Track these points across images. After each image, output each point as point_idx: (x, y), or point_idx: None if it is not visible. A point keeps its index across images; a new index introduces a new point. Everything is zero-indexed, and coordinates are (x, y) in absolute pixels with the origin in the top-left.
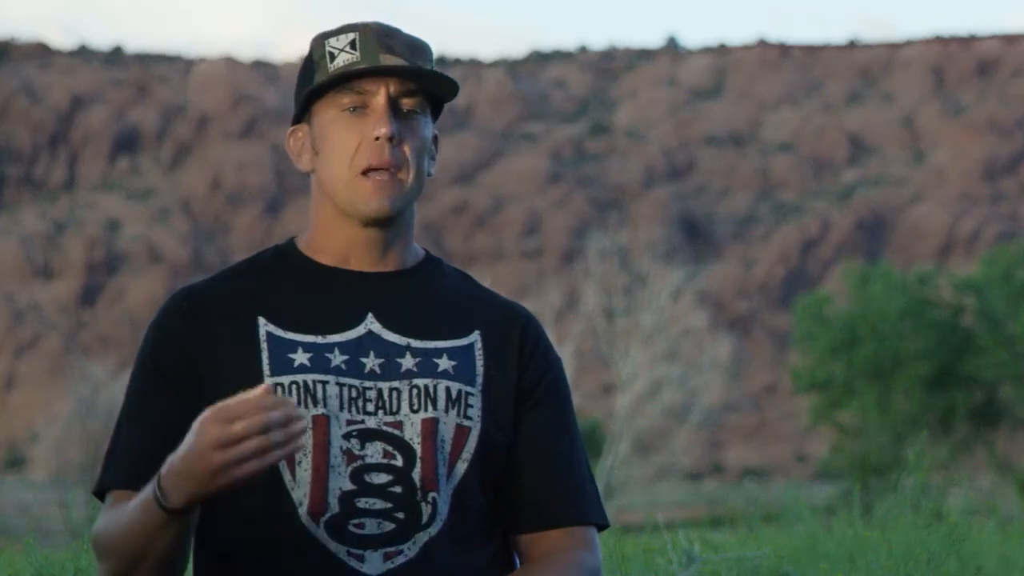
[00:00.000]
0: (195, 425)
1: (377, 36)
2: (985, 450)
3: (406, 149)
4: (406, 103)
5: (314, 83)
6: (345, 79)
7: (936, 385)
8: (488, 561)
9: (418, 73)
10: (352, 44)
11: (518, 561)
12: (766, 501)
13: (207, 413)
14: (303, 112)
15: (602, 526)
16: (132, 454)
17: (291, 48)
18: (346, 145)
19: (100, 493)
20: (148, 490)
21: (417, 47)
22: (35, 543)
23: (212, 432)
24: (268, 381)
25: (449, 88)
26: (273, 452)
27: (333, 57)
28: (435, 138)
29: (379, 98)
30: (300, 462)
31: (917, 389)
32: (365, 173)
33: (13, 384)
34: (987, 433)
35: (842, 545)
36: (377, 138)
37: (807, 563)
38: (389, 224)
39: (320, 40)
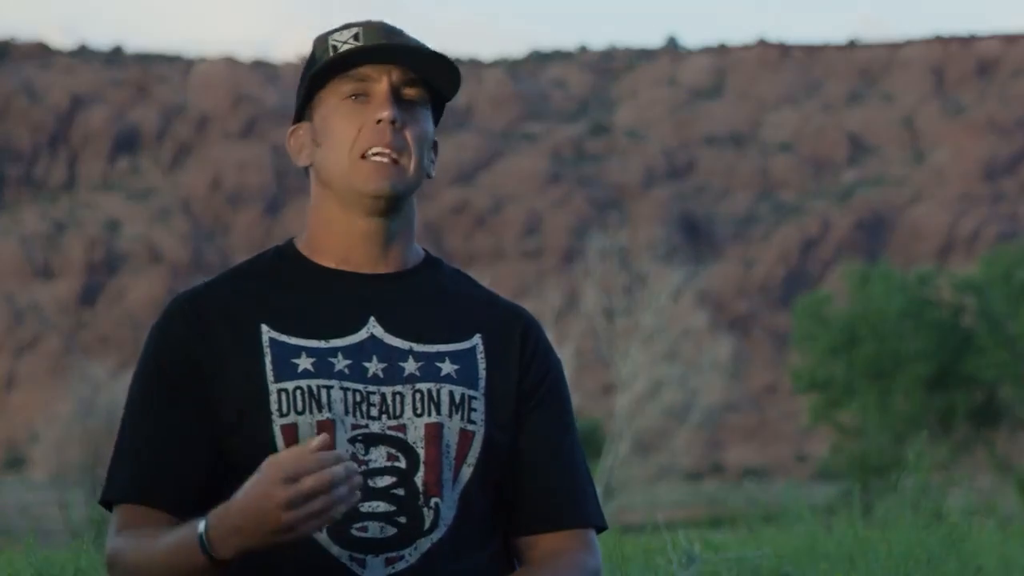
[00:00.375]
0: (254, 483)
1: (379, 30)
2: (985, 450)
3: (407, 135)
4: (408, 93)
5: (316, 67)
6: (348, 64)
7: (936, 385)
8: (487, 563)
9: (422, 54)
10: (355, 37)
11: (517, 563)
12: (766, 501)
13: (269, 472)
14: (304, 109)
15: (601, 528)
16: (138, 466)
17: (291, 48)
18: (347, 131)
19: (106, 502)
20: (190, 533)
21: (416, 42)
22: (35, 543)
23: (279, 492)
24: (272, 387)
25: (452, 78)
26: (338, 507)
27: (336, 50)
28: (435, 144)
29: (381, 85)
30: None
31: (917, 389)
32: (365, 156)
33: (13, 384)
34: (987, 433)
35: (842, 545)
36: (379, 121)
37: (807, 563)
38: (389, 215)
39: (323, 37)
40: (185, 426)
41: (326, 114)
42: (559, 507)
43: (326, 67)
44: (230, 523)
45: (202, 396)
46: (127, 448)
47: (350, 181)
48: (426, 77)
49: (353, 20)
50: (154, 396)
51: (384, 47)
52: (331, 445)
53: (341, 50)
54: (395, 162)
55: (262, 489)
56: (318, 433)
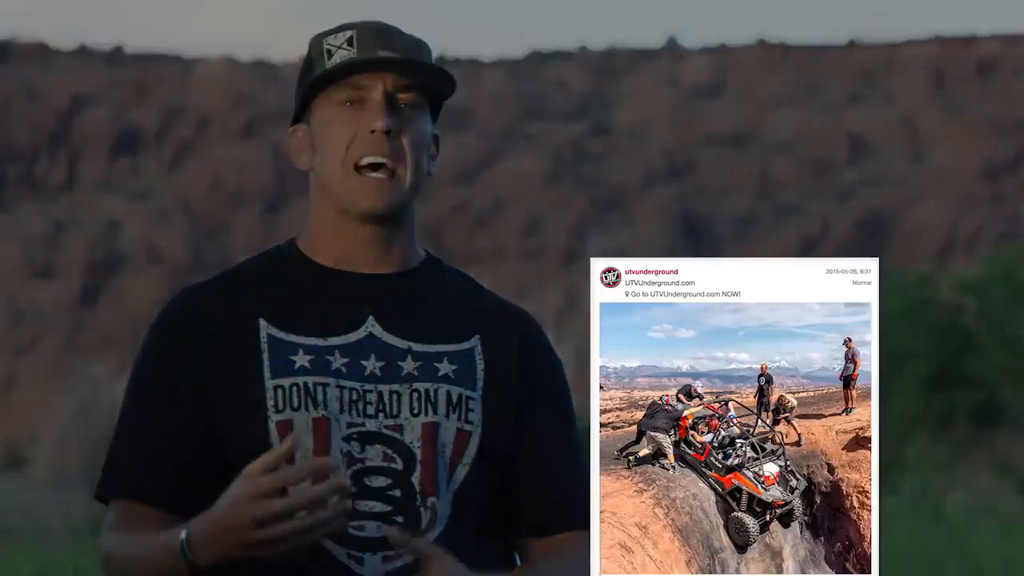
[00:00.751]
0: (229, 496)
1: (375, 33)
2: (985, 450)
3: (403, 142)
4: (403, 98)
5: (311, 78)
6: (342, 74)
7: (936, 385)
8: (485, 562)
9: (414, 66)
10: (349, 41)
11: (519, 560)
12: None
13: (241, 486)
14: (302, 111)
15: None
16: (134, 462)
17: (291, 48)
18: (342, 139)
19: (102, 497)
20: (173, 538)
21: (416, 45)
22: (35, 543)
23: (247, 510)
24: (269, 384)
25: (446, 83)
26: (317, 530)
27: (331, 54)
28: (436, 138)
29: (376, 92)
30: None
31: (917, 389)
32: (360, 169)
33: (13, 384)
34: (987, 433)
35: None
36: (373, 131)
37: None
38: (388, 222)
39: (318, 39)
40: (182, 423)
41: (322, 120)
42: (560, 509)
43: (320, 78)
44: (208, 533)
45: (199, 393)
46: (123, 444)
47: (345, 194)
48: (421, 82)
49: (349, 21)
50: (151, 392)
51: (376, 61)
52: (300, 451)
53: (335, 56)
54: (391, 175)
55: (233, 504)
56: (313, 432)
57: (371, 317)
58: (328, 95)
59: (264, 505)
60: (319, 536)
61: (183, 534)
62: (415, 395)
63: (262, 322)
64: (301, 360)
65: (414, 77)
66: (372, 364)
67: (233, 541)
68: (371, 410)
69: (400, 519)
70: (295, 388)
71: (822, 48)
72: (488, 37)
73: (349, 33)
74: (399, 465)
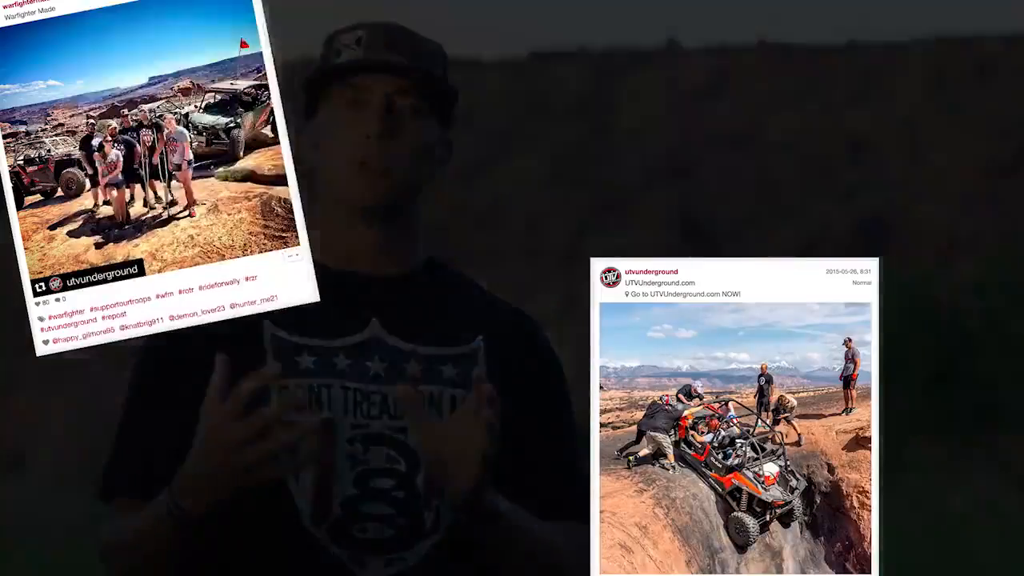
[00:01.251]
0: (202, 435)
1: (384, 35)
2: (985, 450)
3: (400, 147)
4: (405, 100)
5: (311, 78)
6: (341, 75)
7: (936, 385)
8: (488, 564)
9: (410, 71)
10: (358, 41)
11: None
12: None
13: (210, 414)
14: (306, 110)
15: None
16: (136, 463)
17: (291, 48)
18: (341, 142)
19: (105, 495)
20: (160, 498)
21: (426, 48)
22: (35, 543)
23: (227, 432)
24: (273, 385)
25: (448, 90)
26: (302, 454)
27: (339, 54)
28: (448, 143)
29: (375, 96)
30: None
31: (917, 389)
32: (358, 167)
33: (13, 384)
34: (987, 433)
35: None
36: (369, 136)
37: None
38: (391, 223)
39: (332, 36)
40: (183, 423)
41: (324, 121)
42: (560, 511)
43: (323, 77)
44: (191, 474)
45: (202, 395)
46: (125, 443)
47: (344, 192)
48: (422, 87)
49: (364, 20)
50: (153, 391)
51: (377, 64)
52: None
53: (343, 56)
54: (387, 174)
55: (209, 432)
56: (321, 426)
57: (375, 319)
58: (332, 95)
59: (242, 424)
60: (306, 461)
61: (168, 492)
62: (420, 397)
63: (267, 323)
64: (305, 361)
65: (415, 81)
66: (376, 365)
67: (221, 476)
68: (375, 411)
69: (403, 521)
70: (299, 390)
71: (822, 48)
72: (488, 37)
73: (359, 33)
74: (403, 467)
